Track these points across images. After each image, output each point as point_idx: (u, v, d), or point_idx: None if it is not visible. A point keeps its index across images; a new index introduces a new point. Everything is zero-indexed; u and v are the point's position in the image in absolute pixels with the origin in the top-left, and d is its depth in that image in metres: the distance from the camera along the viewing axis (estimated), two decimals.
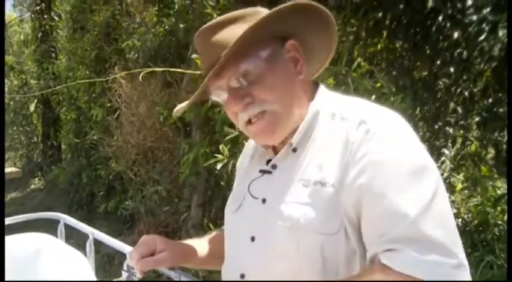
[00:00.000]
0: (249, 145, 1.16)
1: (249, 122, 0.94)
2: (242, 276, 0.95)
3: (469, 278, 0.78)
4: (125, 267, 1.17)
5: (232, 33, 0.90)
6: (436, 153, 3.15)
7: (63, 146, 7.95)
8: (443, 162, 3.57)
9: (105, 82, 4.52)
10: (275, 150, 1.01)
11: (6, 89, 9.03)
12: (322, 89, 1.00)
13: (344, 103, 0.95)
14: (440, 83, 2.79)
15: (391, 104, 2.33)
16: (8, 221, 1.53)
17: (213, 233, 1.23)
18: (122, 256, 1.21)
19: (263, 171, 0.99)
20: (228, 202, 1.09)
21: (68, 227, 1.53)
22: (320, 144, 0.92)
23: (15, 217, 1.57)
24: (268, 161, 0.99)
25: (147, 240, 1.06)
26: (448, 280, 0.75)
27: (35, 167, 8.56)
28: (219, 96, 0.95)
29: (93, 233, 1.38)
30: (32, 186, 8.04)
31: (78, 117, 6.16)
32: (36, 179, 8.26)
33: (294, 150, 0.95)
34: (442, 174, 3.49)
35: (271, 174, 0.98)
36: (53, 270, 1.36)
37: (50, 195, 7.17)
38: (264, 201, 0.95)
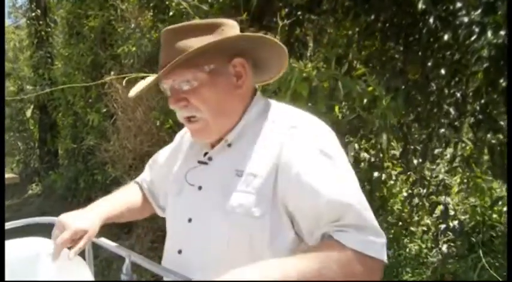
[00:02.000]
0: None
1: (187, 119, 1.09)
2: (179, 252, 1.12)
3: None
4: (124, 271, 1.18)
5: (190, 43, 1.02)
6: (430, 155, 3.18)
7: (60, 152, 7.96)
8: (438, 164, 3.61)
9: (102, 87, 4.54)
10: (212, 144, 1.14)
11: None
12: (258, 96, 1.13)
13: (279, 109, 1.12)
14: (433, 84, 2.82)
15: (384, 106, 2.36)
16: (6, 226, 1.54)
17: (126, 189, 1.40)
18: (121, 261, 1.23)
19: (200, 162, 1.14)
20: (168, 185, 1.24)
21: None
22: (253, 142, 1.06)
23: (13, 222, 1.58)
24: (206, 154, 1.13)
25: (67, 235, 1.15)
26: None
27: (32, 173, 8.55)
28: (165, 90, 1.10)
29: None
30: (30, 192, 8.03)
31: (74, 122, 6.19)
32: (34, 185, 8.26)
33: (229, 145, 1.10)
34: (436, 177, 3.52)
35: (207, 165, 1.12)
36: (53, 274, 1.38)
37: (47, 201, 7.17)
38: (200, 188, 1.11)
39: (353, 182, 1.00)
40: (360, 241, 0.93)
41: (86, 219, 1.19)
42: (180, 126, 1.30)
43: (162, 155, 1.37)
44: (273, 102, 1.15)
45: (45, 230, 1.66)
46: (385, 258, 0.95)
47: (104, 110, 4.85)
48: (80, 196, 6.01)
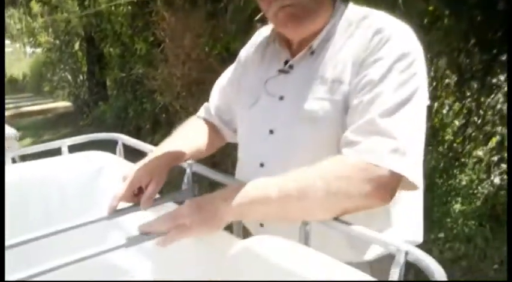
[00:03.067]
0: (257, 41, 1.23)
1: (281, 8, 1.01)
2: (261, 165, 1.09)
3: (413, 175, 0.86)
4: (185, 180, 1.20)
5: None
6: (488, 83, 3.04)
7: (108, 83, 8.10)
8: (496, 93, 3.45)
9: (149, 16, 4.51)
10: (292, 52, 1.09)
11: (50, 29, 9.16)
12: (339, 1, 1.08)
13: (363, 12, 1.04)
14: (501, 4, 2.62)
15: (445, 27, 2.23)
16: (69, 142, 1.59)
17: (188, 126, 1.32)
18: (179, 177, 1.24)
19: (280, 71, 1.09)
20: (239, 97, 1.20)
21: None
22: (338, 47, 1.01)
23: (74, 138, 1.62)
24: (286, 62, 1.08)
25: (130, 182, 1.07)
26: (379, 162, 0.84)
27: (82, 105, 8.80)
28: None
29: (153, 151, 1.42)
30: (81, 123, 8.32)
31: (122, 52, 6.22)
32: (84, 116, 8.53)
33: (312, 53, 1.05)
34: (493, 106, 3.38)
35: (288, 74, 1.08)
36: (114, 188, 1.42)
37: (98, 131, 7.37)
38: (281, 98, 1.07)
39: (416, 114, 0.91)
40: (368, 150, 0.86)
41: (149, 166, 1.12)
42: (228, 52, 1.27)
43: (225, 78, 1.32)
44: (355, 6, 1.08)
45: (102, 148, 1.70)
46: (398, 169, 0.84)
47: (152, 38, 4.83)
48: (129, 125, 6.16)
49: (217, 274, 0.97)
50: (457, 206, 3.33)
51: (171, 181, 1.26)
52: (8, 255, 0.89)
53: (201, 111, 1.37)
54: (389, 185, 0.84)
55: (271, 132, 1.07)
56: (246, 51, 1.26)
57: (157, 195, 1.09)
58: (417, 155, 0.88)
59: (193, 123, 1.34)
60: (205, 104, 1.36)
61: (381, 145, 0.85)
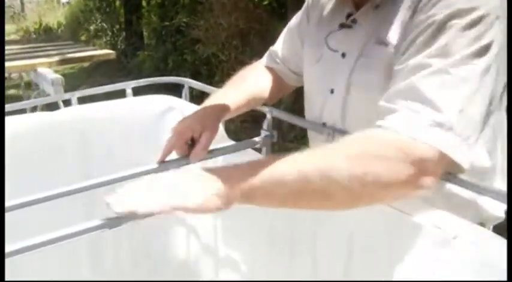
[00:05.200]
0: None
1: None
2: (324, 125, 1.05)
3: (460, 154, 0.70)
4: (265, 127, 1.16)
5: None
6: None
7: (145, 33, 8.03)
8: None
9: None
10: (355, 5, 0.99)
11: None
12: None
13: None
14: None
15: None
16: (133, 84, 1.56)
17: (248, 72, 1.24)
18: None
19: (343, 25, 1.00)
20: (304, 50, 1.13)
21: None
22: (400, 6, 0.87)
23: (138, 80, 1.59)
24: (348, 16, 0.99)
25: (179, 130, 1.01)
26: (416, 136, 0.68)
27: (119, 54, 8.78)
28: None
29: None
30: (118, 73, 8.33)
31: (163, 1, 6.11)
32: (121, 66, 8.52)
33: (377, 7, 0.94)
34: None
35: (351, 29, 0.98)
36: None
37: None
38: (343, 55, 0.99)
39: (477, 85, 0.73)
40: (404, 121, 0.71)
41: (202, 116, 1.06)
42: (278, 2, 1.19)
43: (294, 23, 1.23)
44: None
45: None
46: (439, 145, 0.68)
47: None
48: (169, 76, 6.11)
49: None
50: None
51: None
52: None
53: (264, 58, 1.30)
54: (429, 167, 0.68)
55: (331, 91, 1.01)
56: None
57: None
58: (469, 134, 0.72)
59: (254, 69, 1.28)
60: (270, 49, 1.29)
61: (419, 116, 0.70)
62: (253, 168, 0.72)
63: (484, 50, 0.74)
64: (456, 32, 0.74)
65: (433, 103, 0.70)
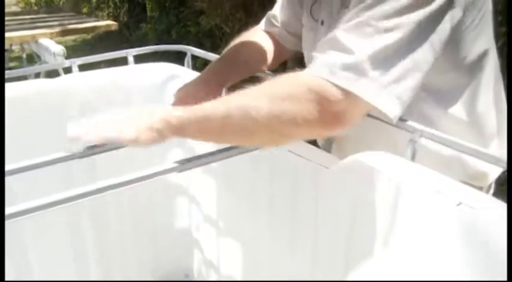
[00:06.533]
0: None
1: None
2: None
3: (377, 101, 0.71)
4: None
5: None
6: None
7: (147, 5, 7.92)
8: None
9: None
10: None
11: None
12: None
13: None
14: None
15: None
16: (134, 51, 1.53)
17: (247, 38, 1.23)
18: None
19: None
20: (303, 19, 1.12)
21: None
22: None
23: (140, 48, 1.56)
24: None
25: (181, 96, 1.03)
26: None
27: (122, 27, 8.69)
28: None
29: None
30: (121, 46, 8.26)
31: None
32: (124, 38, 8.44)
33: None
34: None
35: None
36: None
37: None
38: (322, 23, 1.02)
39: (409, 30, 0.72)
40: (318, 66, 0.74)
41: (204, 83, 1.07)
42: None
43: None
44: None
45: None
46: (349, 86, 0.70)
47: None
48: None
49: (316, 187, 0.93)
50: None
51: None
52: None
53: (262, 23, 1.29)
54: (341, 108, 0.71)
55: None
56: None
57: None
58: (389, 81, 0.72)
59: (254, 34, 1.26)
60: (268, 13, 1.28)
61: (333, 60, 0.72)
62: (191, 106, 0.77)
63: (426, 2, 0.72)
64: None
65: (347, 50, 0.72)
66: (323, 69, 0.72)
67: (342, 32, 0.75)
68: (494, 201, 0.68)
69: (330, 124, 0.72)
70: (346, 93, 0.70)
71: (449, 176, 0.73)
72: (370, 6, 0.74)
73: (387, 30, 0.72)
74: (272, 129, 0.73)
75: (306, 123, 0.71)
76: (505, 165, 0.75)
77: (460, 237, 0.66)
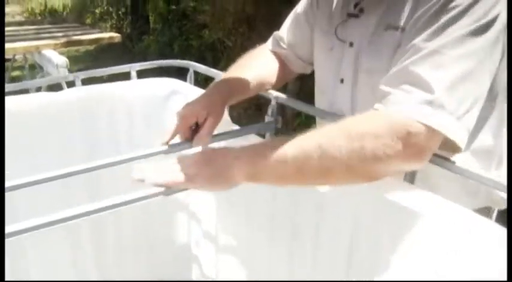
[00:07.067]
0: None
1: None
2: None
3: (455, 134, 0.73)
4: (269, 113, 1.14)
5: None
6: None
7: (150, 17, 7.97)
8: None
9: None
10: None
11: None
12: None
13: None
14: None
15: None
16: (138, 66, 1.54)
17: (254, 57, 1.23)
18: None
19: (350, 15, 0.99)
20: (315, 36, 1.12)
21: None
22: None
23: (143, 63, 1.57)
24: (356, 5, 0.98)
25: (184, 114, 0.99)
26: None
27: (124, 39, 8.73)
28: None
29: None
30: (123, 58, 8.28)
31: None
32: (127, 50, 8.47)
33: None
34: None
35: (358, 18, 0.97)
36: None
37: None
38: (351, 44, 0.99)
39: (471, 64, 0.74)
40: (396, 102, 0.75)
41: (206, 101, 1.03)
42: None
43: (301, 7, 1.21)
44: None
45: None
46: (431, 123, 0.71)
47: None
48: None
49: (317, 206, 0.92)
50: None
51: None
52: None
53: (269, 42, 1.29)
54: (422, 143, 0.72)
55: (341, 81, 1.02)
56: None
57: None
58: (462, 112, 0.73)
59: (260, 53, 1.26)
60: (275, 33, 1.27)
61: (411, 96, 0.73)
62: (257, 148, 0.79)
63: (485, 28, 0.74)
64: (457, 11, 0.75)
65: (423, 83, 0.73)
66: (400, 107, 0.73)
67: (414, 64, 0.75)
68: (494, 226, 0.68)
69: (412, 158, 0.73)
70: (426, 127, 0.71)
71: (475, 202, 0.73)
72: (436, 34, 0.75)
73: (458, 59, 0.73)
74: (351, 167, 0.72)
75: (388, 158, 0.71)
76: (504, 189, 0.75)
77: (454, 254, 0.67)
